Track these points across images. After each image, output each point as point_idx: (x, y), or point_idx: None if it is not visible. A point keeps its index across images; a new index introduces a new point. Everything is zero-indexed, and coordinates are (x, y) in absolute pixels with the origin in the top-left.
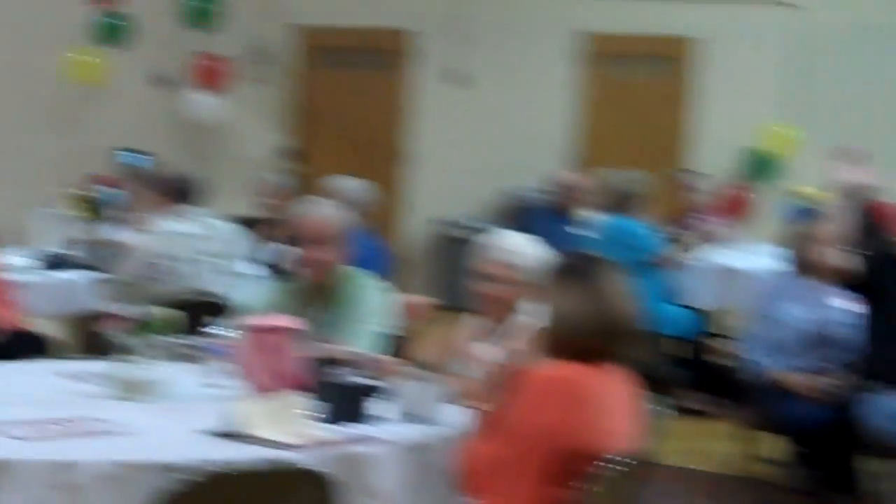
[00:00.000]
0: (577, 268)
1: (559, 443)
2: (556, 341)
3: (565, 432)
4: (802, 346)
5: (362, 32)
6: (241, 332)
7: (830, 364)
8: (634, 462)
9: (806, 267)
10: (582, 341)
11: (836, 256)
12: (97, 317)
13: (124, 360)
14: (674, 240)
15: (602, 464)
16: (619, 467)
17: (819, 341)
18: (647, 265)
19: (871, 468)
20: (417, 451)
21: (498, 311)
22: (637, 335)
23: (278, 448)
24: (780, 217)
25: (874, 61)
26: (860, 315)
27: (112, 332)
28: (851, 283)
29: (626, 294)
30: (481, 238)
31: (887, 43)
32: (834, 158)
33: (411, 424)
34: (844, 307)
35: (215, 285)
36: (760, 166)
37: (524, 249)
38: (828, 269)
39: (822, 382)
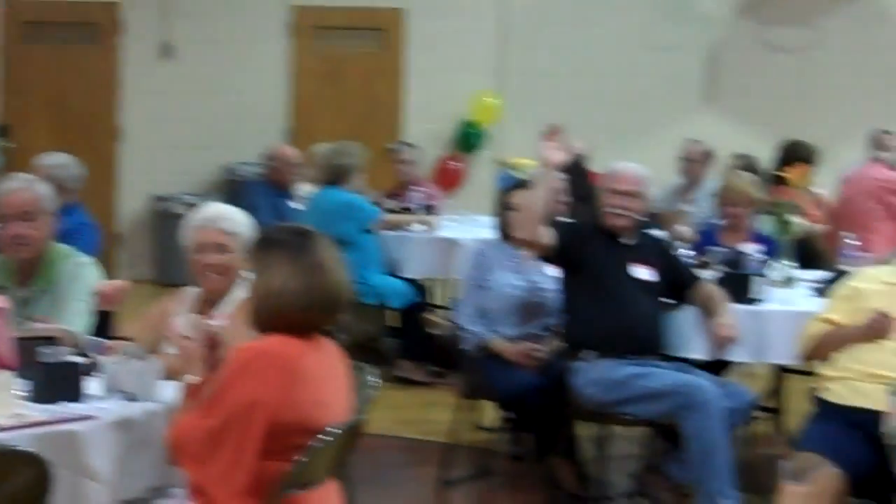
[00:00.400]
0: (286, 241)
1: (273, 417)
2: (267, 314)
3: (279, 406)
4: (512, 313)
5: (71, 5)
6: None
7: (540, 331)
8: (351, 433)
9: (510, 235)
10: (292, 314)
11: (536, 226)
12: None
13: None
14: (390, 211)
15: (318, 436)
16: (335, 439)
17: (528, 309)
18: (362, 237)
19: (583, 432)
20: (130, 427)
21: (215, 283)
22: (348, 307)
23: None
24: (495, 187)
25: (584, 33)
26: (560, 282)
27: None
28: (552, 251)
29: (336, 266)
30: (196, 210)
31: (597, 15)
32: (544, 132)
33: (124, 401)
34: (551, 274)
35: None
36: (473, 137)
37: (239, 219)
38: (529, 237)
39: (531, 349)
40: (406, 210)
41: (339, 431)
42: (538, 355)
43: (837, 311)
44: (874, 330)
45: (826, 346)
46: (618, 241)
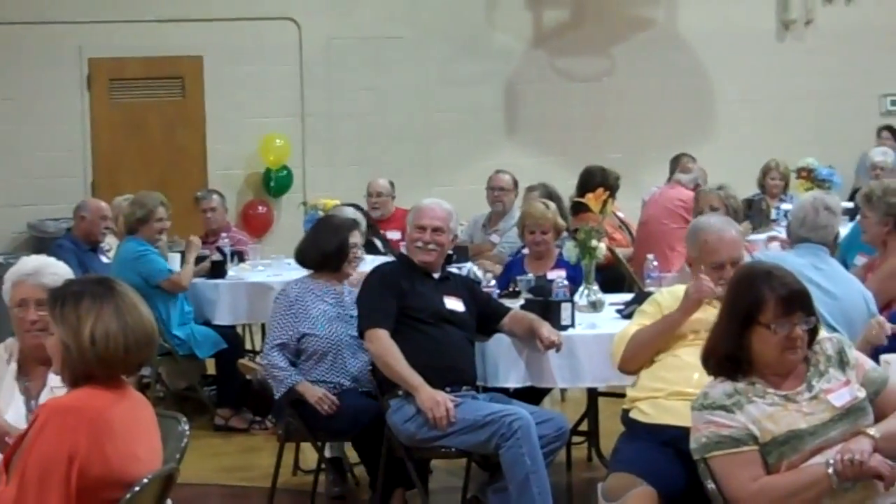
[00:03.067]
0: (88, 290)
1: (83, 471)
2: (79, 367)
3: (88, 460)
4: (321, 354)
5: None
6: None
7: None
8: (163, 484)
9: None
10: (97, 366)
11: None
12: None
13: None
14: (199, 259)
15: (131, 489)
16: (147, 491)
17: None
18: (165, 288)
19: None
20: None
21: (39, 340)
22: (154, 356)
23: None
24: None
25: (383, 71)
26: None
27: None
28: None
29: (141, 317)
30: (17, 265)
31: (395, 53)
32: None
33: None
34: None
35: None
36: (278, 181)
37: (62, 272)
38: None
39: (325, 396)
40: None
41: (152, 483)
42: (326, 406)
43: (647, 323)
44: (696, 295)
45: (645, 343)
46: (427, 275)
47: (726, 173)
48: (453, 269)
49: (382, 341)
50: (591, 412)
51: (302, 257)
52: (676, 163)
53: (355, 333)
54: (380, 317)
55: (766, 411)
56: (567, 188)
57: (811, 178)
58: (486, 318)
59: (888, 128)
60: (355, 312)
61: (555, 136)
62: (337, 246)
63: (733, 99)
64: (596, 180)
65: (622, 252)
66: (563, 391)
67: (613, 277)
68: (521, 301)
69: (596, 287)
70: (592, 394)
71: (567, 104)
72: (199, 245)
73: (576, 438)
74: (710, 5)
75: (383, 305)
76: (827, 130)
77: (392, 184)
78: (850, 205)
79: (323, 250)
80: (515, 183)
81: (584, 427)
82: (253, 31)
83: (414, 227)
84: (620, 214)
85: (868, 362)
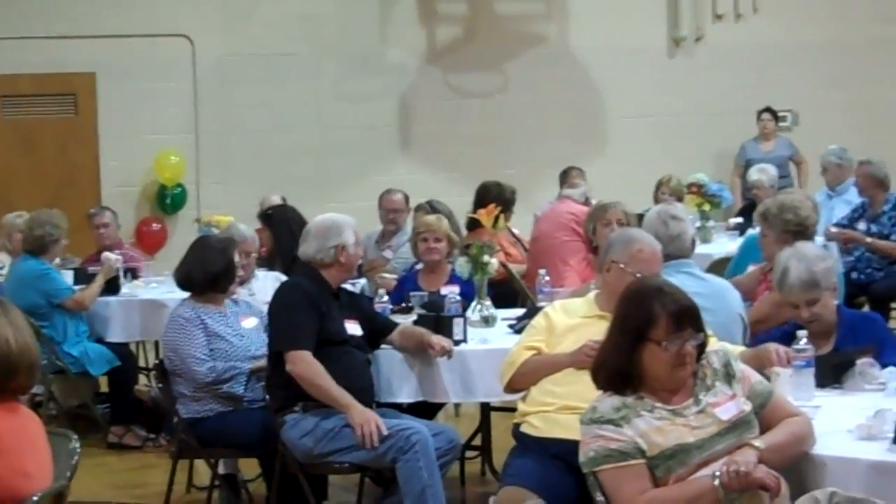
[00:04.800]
0: None
1: None
2: None
3: None
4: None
5: None
6: None
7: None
8: (54, 501)
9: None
10: None
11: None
12: None
13: None
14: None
15: None
16: None
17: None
18: (56, 309)
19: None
20: None
21: None
22: (37, 373)
23: None
24: None
25: (277, 88)
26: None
27: None
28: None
29: (25, 334)
30: None
31: (289, 70)
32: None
33: None
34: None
35: None
36: (172, 197)
37: None
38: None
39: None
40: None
41: (42, 500)
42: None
43: (537, 340)
44: (584, 357)
45: (531, 372)
46: (334, 296)
47: (619, 188)
48: (347, 285)
49: (309, 363)
50: (484, 427)
51: (188, 281)
52: (566, 177)
53: (251, 350)
54: (303, 338)
55: (654, 425)
56: (462, 204)
57: (701, 193)
58: (372, 333)
59: (768, 109)
60: (246, 328)
61: (449, 152)
62: (225, 266)
63: (625, 114)
64: (491, 195)
65: (517, 268)
66: (457, 406)
67: (507, 293)
68: (414, 317)
69: (488, 302)
70: (486, 408)
71: (461, 120)
72: (115, 266)
73: (469, 453)
74: (602, 22)
75: (307, 326)
76: (717, 146)
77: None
78: (740, 220)
79: (211, 272)
80: (407, 200)
81: (477, 442)
82: (146, 48)
83: None
84: (515, 230)
85: (754, 375)
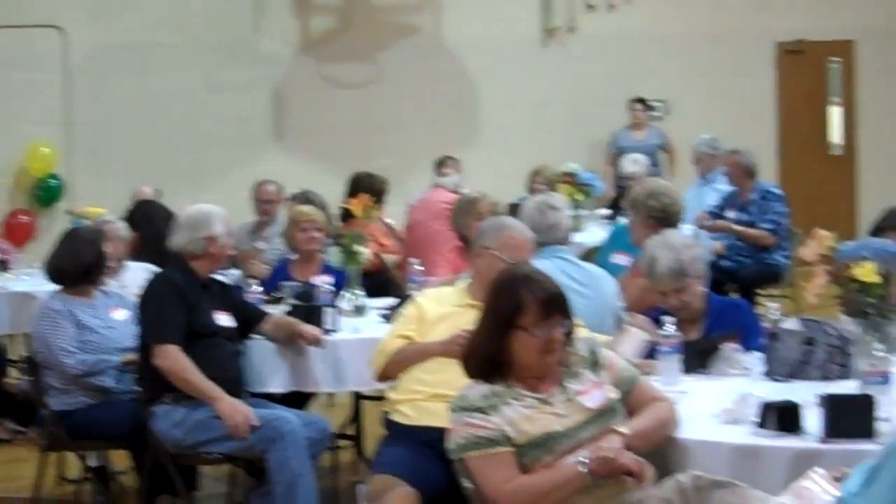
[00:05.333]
0: None
1: None
2: None
3: None
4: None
5: None
6: None
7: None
8: None
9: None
10: None
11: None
12: None
13: None
14: None
15: None
16: None
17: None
18: None
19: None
20: None
21: None
22: None
23: None
24: None
25: (150, 79)
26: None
27: None
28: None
29: None
30: None
31: (162, 60)
32: None
33: None
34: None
35: None
36: (44, 189)
37: None
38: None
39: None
40: None
41: None
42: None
43: (409, 328)
44: (456, 346)
45: (403, 361)
46: (204, 287)
47: (494, 178)
48: (219, 276)
49: (176, 357)
50: (356, 416)
51: (60, 273)
52: (440, 166)
53: (121, 343)
54: (171, 331)
55: (522, 413)
56: (336, 194)
57: (573, 182)
58: (243, 323)
59: (639, 99)
60: (117, 319)
61: (323, 143)
62: (96, 257)
63: (499, 104)
64: (363, 186)
65: (391, 258)
66: (330, 396)
67: (381, 283)
68: (286, 307)
69: (361, 292)
70: (357, 398)
71: (335, 110)
72: None
73: (342, 442)
74: (475, 12)
75: (174, 319)
76: (590, 135)
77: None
78: (610, 211)
79: (82, 263)
80: (281, 191)
81: (350, 431)
82: (17, 38)
83: None
84: (389, 220)
85: (619, 362)
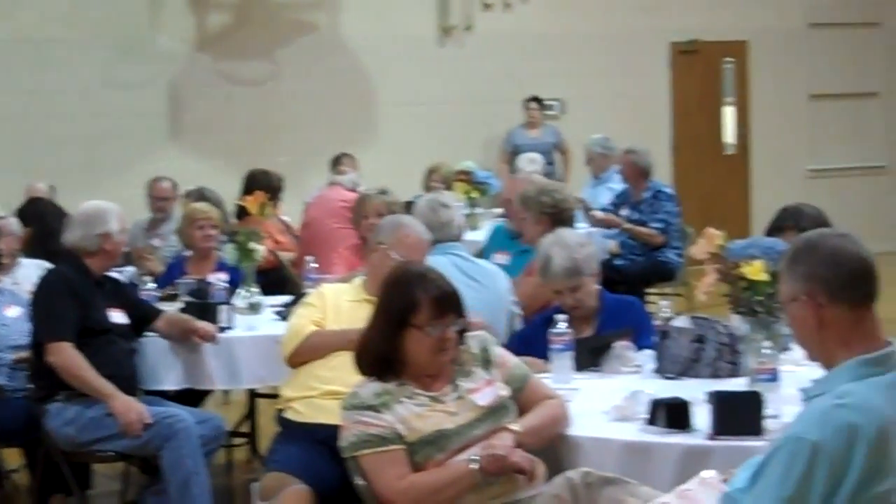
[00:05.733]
0: None
1: None
2: None
3: None
4: None
5: None
6: None
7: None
8: None
9: None
10: None
11: None
12: None
13: None
14: None
15: None
16: None
17: None
18: None
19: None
20: None
21: None
22: None
23: None
24: None
25: (45, 75)
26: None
27: None
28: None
29: None
30: None
31: (57, 56)
32: None
33: None
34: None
35: None
36: None
37: None
38: None
39: None
40: None
41: None
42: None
43: (318, 315)
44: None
45: (319, 346)
46: (97, 284)
47: (390, 175)
48: (114, 273)
49: (69, 354)
50: (251, 413)
51: None
52: (337, 164)
53: (14, 340)
54: (64, 328)
55: (414, 411)
56: (233, 191)
57: (469, 180)
58: (137, 320)
59: (535, 98)
60: (9, 316)
61: (220, 140)
62: None
63: (396, 102)
64: (258, 183)
65: (287, 255)
66: (226, 393)
67: (277, 280)
68: (180, 304)
69: (255, 289)
70: (252, 395)
71: (232, 108)
72: None
73: (237, 440)
74: (372, 11)
75: (67, 315)
76: (486, 134)
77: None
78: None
79: None
80: (176, 188)
81: (245, 428)
82: None
83: None
84: (286, 218)
85: (511, 359)
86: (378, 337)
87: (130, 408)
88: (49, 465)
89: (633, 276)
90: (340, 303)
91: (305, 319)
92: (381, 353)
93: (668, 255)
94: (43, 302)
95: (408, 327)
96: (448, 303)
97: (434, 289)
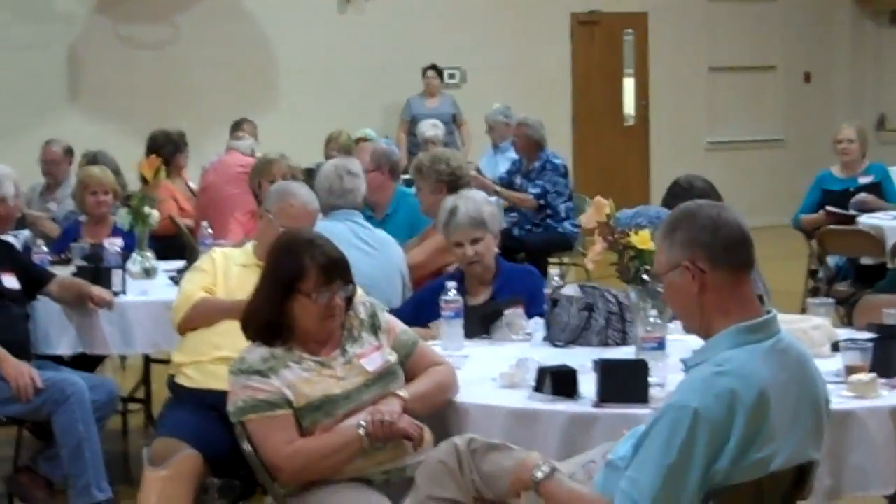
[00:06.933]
0: None
1: None
2: None
3: None
4: None
5: None
6: None
7: None
8: None
9: None
10: None
11: None
12: None
13: None
14: None
15: None
16: None
17: None
18: None
19: None
20: None
21: None
22: None
23: None
24: None
25: None
26: None
27: None
28: None
29: None
30: None
31: None
32: None
33: None
34: None
35: None
36: None
37: None
38: None
39: None
40: None
41: None
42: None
43: (208, 281)
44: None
45: (205, 313)
46: None
47: (289, 142)
48: (9, 236)
49: None
50: (146, 379)
51: None
52: (237, 129)
53: None
54: None
55: (302, 376)
56: (133, 156)
57: None
58: (29, 284)
59: (433, 66)
60: None
61: (119, 104)
62: None
63: (296, 69)
64: (160, 145)
65: (188, 222)
66: (123, 359)
67: (176, 246)
68: (73, 268)
69: (150, 254)
70: (148, 361)
71: (131, 71)
72: None
73: (133, 406)
74: None
75: None
76: (385, 102)
77: None
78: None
79: None
80: (70, 152)
81: (141, 394)
82: None
83: None
84: (192, 184)
85: (399, 325)
86: (265, 303)
87: (21, 371)
88: None
89: (533, 245)
90: (230, 267)
91: (195, 285)
92: (268, 319)
93: (565, 226)
94: None
95: (295, 294)
96: (335, 269)
97: (321, 256)
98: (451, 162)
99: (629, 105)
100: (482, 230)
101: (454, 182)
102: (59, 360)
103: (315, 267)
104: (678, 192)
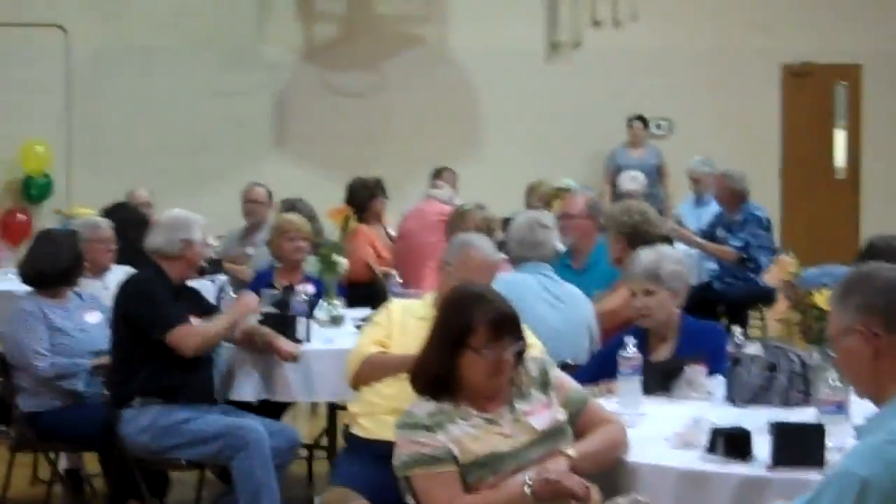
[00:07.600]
0: None
1: None
2: None
3: None
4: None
5: None
6: None
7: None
8: None
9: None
10: None
11: None
12: None
13: None
14: None
15: None
16: None
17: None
18: None
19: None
20: None
21: None
22: None
23: None
24: None
25: (151, 81)
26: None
27: None
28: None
29: None
30: None
31: (163, 63)
32: None
33: None
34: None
35: None
36: (37, 188)
37: None
38: None
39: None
40: None
41: None
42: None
43: (382, 335)
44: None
45: (379, 369)
46: (177, 291)
47: (492, 190)
48: (206, 281)
49: (190, 331)
50: (330, 427)
51: (40, 276)
52: (436, 177)
53: (93, 346)
54: (173, 315)
55: (469, 432)
56: (331, 202)
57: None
58: None
59: (639, 117)
60: (89, 322)
61: (322, 150)
62: (74, 259)
63: (500, 117)
64: (356, 193)
65: (385, 269)
66: (312, 406)
67: (371, 294)
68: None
69: (338, 302)
70: (332, 408)
71: (336, 118)
72: None
73: (319, 453)
74: (481, 25)
75: (170, 304)
76: (589, 151)
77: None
78: None
79: (61, 267)
80: (270, 196)
81: (325, 442)
82: (19, 37)
83: None
84: (391, 231)
85: (570, 382)
86: (434, 358)
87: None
88: (124, 471)
89: (733, 299)
90: (407, 320)
91: (368, 339)
92: (436, 374)
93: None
94: (141, 302)
95: (464, 349)
96: (505, 325)
97: (491, 311)
98: (635, 216)
99: (840, 158)
100: (655, 284)
101: (632, 236)
102: (246, 405)
103: (485, 322)
104: (873, 252)
